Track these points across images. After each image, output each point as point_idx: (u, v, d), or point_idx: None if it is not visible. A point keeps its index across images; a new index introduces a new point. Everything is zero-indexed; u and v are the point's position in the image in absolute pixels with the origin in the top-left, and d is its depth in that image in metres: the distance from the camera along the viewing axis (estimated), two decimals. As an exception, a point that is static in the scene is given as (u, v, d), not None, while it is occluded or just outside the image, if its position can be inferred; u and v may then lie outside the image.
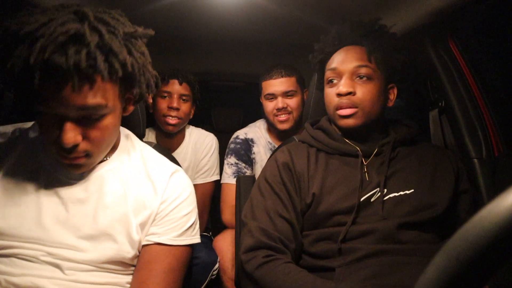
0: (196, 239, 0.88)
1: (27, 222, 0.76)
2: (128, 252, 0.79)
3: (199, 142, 1.79)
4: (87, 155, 0.74)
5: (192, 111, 1.80)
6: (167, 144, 1.75)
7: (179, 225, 0.84)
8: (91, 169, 0.83)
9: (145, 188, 0.84)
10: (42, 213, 0.77)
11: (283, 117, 1.65)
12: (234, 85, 2.51)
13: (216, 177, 1.80)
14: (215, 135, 1.88)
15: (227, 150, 1.79)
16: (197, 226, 0.90)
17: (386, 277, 0.82)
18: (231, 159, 1.74)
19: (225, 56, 1.96)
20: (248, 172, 1.73)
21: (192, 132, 1.82)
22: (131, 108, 0.84)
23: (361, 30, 1.03)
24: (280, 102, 1.65)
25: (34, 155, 0.82)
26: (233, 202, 1.64)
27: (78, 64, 0.62)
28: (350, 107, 0.98)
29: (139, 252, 0.82)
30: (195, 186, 1.74)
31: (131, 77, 0.74)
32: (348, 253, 0.88)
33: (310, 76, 1.29)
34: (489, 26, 1.37)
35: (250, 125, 1.89)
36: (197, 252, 1.46)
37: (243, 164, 1.73)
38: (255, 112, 2.33)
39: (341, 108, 1.00)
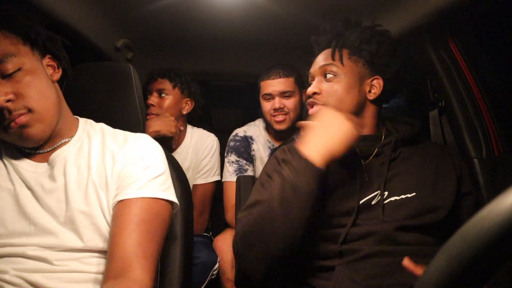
0: (165, 194, 0.84)
1: (9, 215, 0.78)
2: (106, 227, 0.80)
3: (200, 142, 1.79)
4: (29, 111, 0.77)
5: (187, 107, 1.76)
6: (163, 141, 1.74)
7: (140, 178, 0.82)
8: (54, 153, 0.84)
9: (106, 161, 0.85)
10: (21, 204, 0.79)
11: (279, 117, 1.66)
12: (234, 85, 2.52)
13: (217, 178, 1.80)
14: (215, 135, 1.88)
15: (227, 148, 1.79)
16: (167, 183, 0.87)
17: (386, 277, 0.82)
18: (231, 157, 1.74)
19: (225, 56, 1.97)
20: (250, 169, 1.73)
21: (194, 132, 1.82)
22: (58, 74, 0.88)
23: (328, 33, 1.09)
24: (277, 102, 1.65)
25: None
26: (235, 200, 1.65)
27: None
28: (315, 105, 1.03)
29: None
30: (196, 186, 1.74)
31: (19, 24, 0.79)
32: (348, 254, 0.88)
33: (310, 76, 1.29)
34: (489, 26, 1.36)
35: (250, 123, 1.90)
36: (197, 252, 1.46)
37: (244, 161, 1.73)
38: (255, 112, 2.33)
39: (309, 106, 1.05)
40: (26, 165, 0.83)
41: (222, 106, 2.66)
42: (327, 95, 1.01)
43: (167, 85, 1.71)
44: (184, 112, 1.77)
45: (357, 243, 0.89)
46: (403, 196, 0.93)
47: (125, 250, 0.74)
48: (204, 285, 1.45)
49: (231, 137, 1.82)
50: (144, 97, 1.71)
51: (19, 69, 0.76)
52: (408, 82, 1.11)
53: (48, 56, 0.86)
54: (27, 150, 0.85)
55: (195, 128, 1.86)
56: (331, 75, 1.02)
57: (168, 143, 1.67)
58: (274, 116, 1.67)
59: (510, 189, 0.30)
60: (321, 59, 1.06)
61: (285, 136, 1.74)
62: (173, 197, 0.86)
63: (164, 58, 1.94)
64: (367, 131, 1.04)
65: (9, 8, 0.80)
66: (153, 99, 1.68)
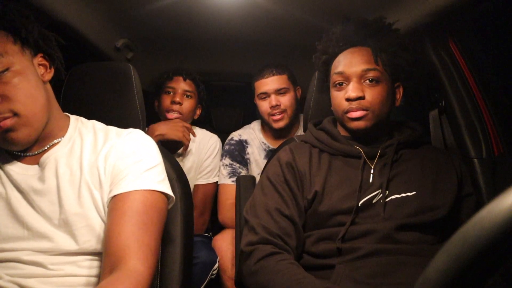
0: (159, 186, 0.82)
1: (1, 220, 0.76)
2: (102, 227, 0.79)
3: (202, 142, 1.79)
4: (15, 114, 0.74)
5: (198, 112, 1.82)
6: (170, 143, 1.75)
7: (132, 172, 0.80)
8: (45, 155, 0.82)
9: (99, 159, 0.82)
10: (13, 209, 0.77)
11: (277, 116, 1.68)
12: (234, 85, 2.51)
13: (218, 178, 1.80)
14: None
15: (222, 152, 1.81)
16: (161, 176, 0.85)
17: (386, 276, 0.82)
18: (225, 160, 1.76)
19: (225, 56, 1.97)
20: (243, 172, 1.75)
21: (197, 132, 1.83)
22: (50, 74, 0.84)
23: (366, 30, 1.02)
24: (273, 99, 1.67)
25: None
26: (228, 202, 1.66)
27: None
28: (360, 110, 0.97)
29: None
30: (197, 186, 1.74)
31: (10, 21, 0.75)
32: (348, 253, 0.89)
33: (310, 76, 1.29)
34: (489, 26, 1.36)
35: (245, 126, 1.92)
36: (197, 252, 1.46)
37: (237, 165, 1.75)
38: (255, 112, 2.33)
39: (350, 111, 0.98)
40: (16, 168, 0.81)
41: (222, 106, 2.66)
42: (372, 100, 0.97)
43: (193, 87, 1.74)
44: (196, 117, 1.81)
45: (357, 241, 0.90)
46: (403, 195, 0.94)
47: (118, 244, 0.72)
48: (204, 285, 1.45)
49: (226, 141, 1.84)
50: (145, 96, 1.72)
51: (7, 70, 0.73)
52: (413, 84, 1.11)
53: (40, 54, 0.82)
54: (17, 153, 0.83)
55: (198, 129, 1.86)
56: (374, 81, 0.97)
57: (177, 148, 1.68)
58: (272, 115, 1.68)
59: (510, 189, 0.30)
60: (360, 60, 0.98)
61: (283, 135, 1.76)
62: (168, 190, 0.84)
63: (164, 58, 1.94)
64: (382, 135, 1.05)
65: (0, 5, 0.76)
66: (180, 98, 1.68)
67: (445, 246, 0.33)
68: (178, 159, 1.65)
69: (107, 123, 0.97)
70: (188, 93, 1.71)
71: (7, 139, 0.75)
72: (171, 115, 1.68)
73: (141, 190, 0.79)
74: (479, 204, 1.04)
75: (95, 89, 1.09)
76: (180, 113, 1.68)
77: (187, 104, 1.71)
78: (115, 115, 1.07)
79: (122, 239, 0.72)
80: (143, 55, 1.86)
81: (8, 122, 0.73)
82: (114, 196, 0.78)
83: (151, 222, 0.77)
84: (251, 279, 0.87)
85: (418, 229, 0.91)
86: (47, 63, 0.84)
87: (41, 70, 0.82)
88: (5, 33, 0.76)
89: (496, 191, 1.14)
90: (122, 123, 1.01)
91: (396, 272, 0.83)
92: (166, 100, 1.70)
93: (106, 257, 0.73)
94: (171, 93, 1.70)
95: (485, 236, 0.30)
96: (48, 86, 0.85)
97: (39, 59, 0.82)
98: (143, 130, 1.10)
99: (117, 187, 0.79)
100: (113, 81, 1.09)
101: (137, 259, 0.71)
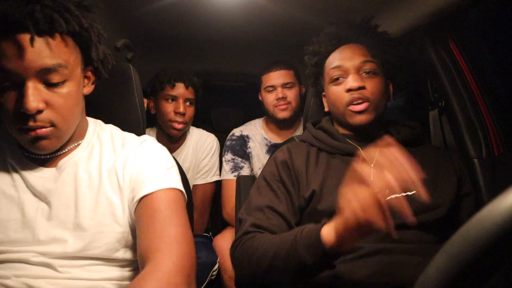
0: (178, 185, 0.84)
1: (12, 224, 0.76)
2: (118, 232, 0.79)
3: (200, 142, 1.79)
4: (52, 125, 0.74)
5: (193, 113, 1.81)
6: (168, 144, 1.75)
7: (152, 174, 0.82)
8: (64, 158, 0.82)
9: (117, 165, 0.83)
10: (25, 213, 0.77)
11: (283, 106, 1.72)
12: (234, 85, 2.52)
13: (217, 178, 1.80)
14: (215, 135, 1.89)
15: (224, 148, 1.82)
16: (177, 176, 0.87)
17: (387, 276, 0.82)
18: (228, 156, 1.78)
19: (225, 56, 1.97)
20: (246, 166, 1.77)
21: (193, 132, 1.83)
22: (90, 88, 0.86)
23: (358, 28, 1.06)
24: (280, 92, 1.72)
25: (2, 159, 0.82)
26: (232, 198, 1.66)
27: (32, 14, 0.66)
28: (363, 102, 0.99)
29: (131, 229, 0.81)
30: (196, 186, 1.74)
31: (87, 38, 0.77)
32: (348, 252, 0.88)
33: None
34: (489, 26, 1.36)
35: (247, 123, 1.95)
36: (197, 252, 1.45)
37: (239, 159, 1.77)
38: (255, 112, 2.33)
39: (352, 103, 0.99)
40: (32, 171, 0.81)
41: (222, 106, 2.66)
42: (372, 91, 0.99)
43: (194, 94, 1.72)
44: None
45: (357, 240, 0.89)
46: (403, 194, 0.94)
47: (147, 245, 0.73)
48: (203, 285, 1.45)
49: (228, 137, 1.86)
50: (145, 96, 1.72)
51: (64, 82, 0.74)
52: (408, 82, 1.12)
53: (90, 68, 0.84)
54: (34, 156, 0.82)
55: (195, 129, 1.86)
56: (371, 73, 1.00)
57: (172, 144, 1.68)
58: (277, 106, 1.72)
59: (510, 189, 0.30)
60: (357, 54, 1.01)
61: (286, 127, 1.78)
62: (183, 190, 0.86)
63: (164, 58, 1.94)
64: (380, 133, 1.05)
65: (95, 17, 0.77)
66: (184, 108, 1.66)
67: (445, 246, 0.33)
68: (177, 159, 1.66)
69: (107, 123, 0.97)
70: (190, 101, 1.70)
71: (35, 144, 0.75)
72: (177, 125, 1.66)
73: (163, 189, 0.80)
74: (479, 203, 1.04)
75: (95, 89, 1.09)
76: (184, 123, 1.68)
77: (190, 112, 1.70)
78: (115, 115, 1.07)
79: (149, 240, 0.73)
80: (143, 55, 1.86)
81: (44, 131, 0.74)
82: (139, 201, 0.79)
83: (176, 216, 0.78)
84: (243, 260, 0.87)
85: (419, 228, 0.90)
86: (92, 78, 0.86)
87: (85, 81, 0.84)
88: (76, 47, 0.77)
89: (496, 191, 1.14)
90: (122, 123, 1.01)
91: (397, 272, 0.83)
92: (168, 108, 1.66)
93: (139, 261, 0.74)
94: (173, 101, 1.67)
95: (485, 236, 0.30)
96: (83, 98, 0.86)
97: (87, 72, 0.84)
98: (143, 130, 1.11)
99: (140, 190, 0.79)
100: (113, 81, 1.09)
101: (162, 254, 0.71)
